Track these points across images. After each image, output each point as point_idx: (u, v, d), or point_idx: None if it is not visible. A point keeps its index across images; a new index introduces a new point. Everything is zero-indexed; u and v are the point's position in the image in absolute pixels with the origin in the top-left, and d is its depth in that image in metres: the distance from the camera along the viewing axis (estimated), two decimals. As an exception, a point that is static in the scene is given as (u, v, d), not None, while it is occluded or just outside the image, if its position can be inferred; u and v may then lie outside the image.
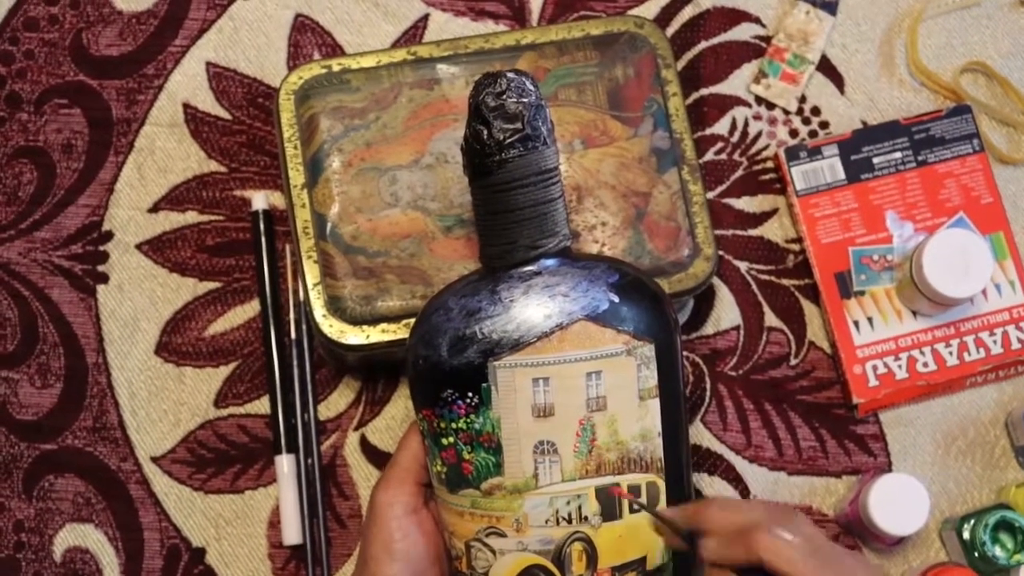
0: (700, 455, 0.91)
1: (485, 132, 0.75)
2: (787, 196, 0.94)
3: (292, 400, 0.90)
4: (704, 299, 0.92)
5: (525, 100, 0.75)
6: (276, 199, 0.93)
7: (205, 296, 0.92)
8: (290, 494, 0.88)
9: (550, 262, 0.77)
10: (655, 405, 0.76)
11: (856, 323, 0.91)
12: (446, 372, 0.75)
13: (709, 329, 0.92)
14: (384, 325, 0.84)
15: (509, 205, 0.76)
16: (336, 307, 0.84)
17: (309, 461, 0.89)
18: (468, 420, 0.75)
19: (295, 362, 0.90)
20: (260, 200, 0.92)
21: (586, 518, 0.75)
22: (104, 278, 0.92)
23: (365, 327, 0.83)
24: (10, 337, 0.91)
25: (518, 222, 0.76)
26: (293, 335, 0.91)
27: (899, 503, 0.85)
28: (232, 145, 0.94)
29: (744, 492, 0.90)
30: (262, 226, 0.91)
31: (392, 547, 0.76)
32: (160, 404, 0.91)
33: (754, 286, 0.93)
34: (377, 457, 0.90)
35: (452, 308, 0.76)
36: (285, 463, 0.89)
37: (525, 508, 0.75)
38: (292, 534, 0.88)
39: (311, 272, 0.84)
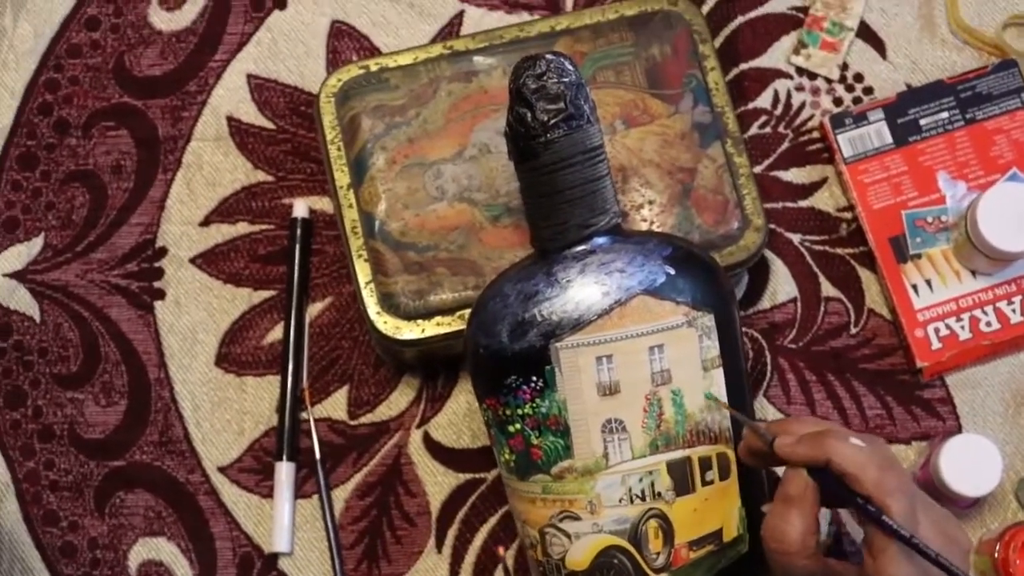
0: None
1: (529, 114, 0.73)
2: (835, 164, 0.91)
3: (298, 408, 0.88)
4: (759, 273, 0.90)
5: (566, 80, 0.73)
6: (324, 204, 0.91)
7: (261, 305, 0.90)
8: (285, 503, 0.87)
9: (602, 240, 0.75)
10: (719, 375, 0.74)
11: (915, 286, 0.88)
12: (508, 358, 0.73)
13: (766, 303, 0.89)
14: (439, 318, 0.82)
15: (558, 186, 0.74)
16: (389, 304, 0.82)
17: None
18: (534, 405, 0.73)
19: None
20: (300, 208, 0.91)
21: (660, 494, 0.73)
22: (161, 294, 0.91)
23: (419, 321, 0.82)
24: (73, 358, 0.90)
25: (568, 202, 0.74)
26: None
27: (971, 464, 0.81)
28: (278, 154, 0.92)
29: (813, 464, 0.87)
30: (298, 233, 0.90)
31: None
32: (223, 414, 0.89)
33: (808, 257, 0.90)
34: (441, 453, 0.88)
35: (509, 294, 0.74)
36: (284, 471, 0.87)
37: (597, 489, 0.73)
38: (282, 543, 0.86)
39: (362, 271, 0.83)
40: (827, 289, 0.89)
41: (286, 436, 0.88)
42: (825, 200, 0.91)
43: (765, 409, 0.88)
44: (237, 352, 0.90)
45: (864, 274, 0.90)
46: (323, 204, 0.92)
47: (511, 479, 0.76)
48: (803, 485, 0.68)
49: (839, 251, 0.90)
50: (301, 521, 0.87)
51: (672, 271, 0.73)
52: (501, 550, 0.84)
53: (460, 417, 0.88)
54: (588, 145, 0.74)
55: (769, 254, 0.90)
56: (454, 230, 0.82)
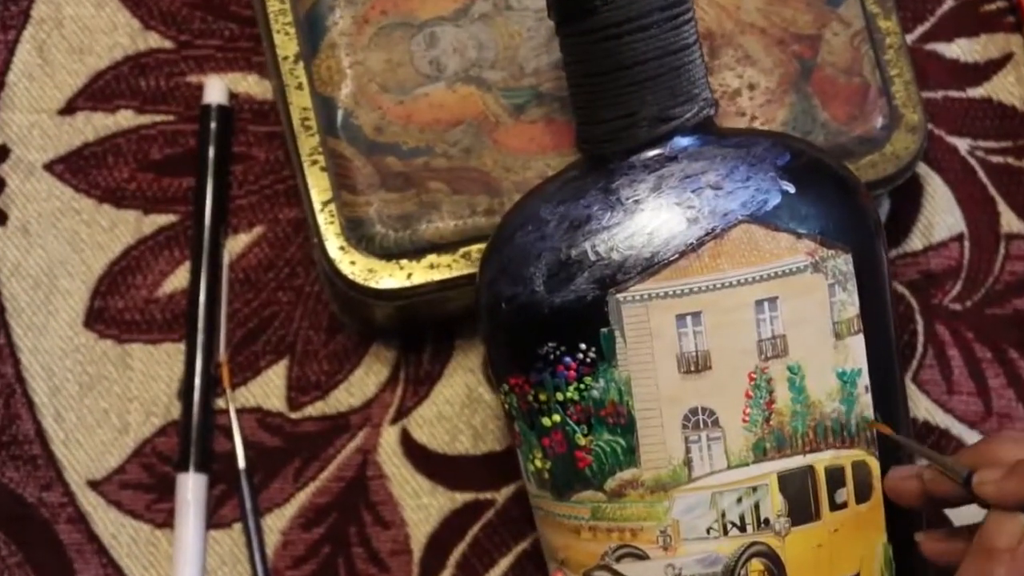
0: (915, 432, 0.91)
1: (580, -52, 0.76)
2: (1025, 33, 0.95)
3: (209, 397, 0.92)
4: (906, 196, 0.94)
5: (637, -103, 0.76)
6: (253, 85, 0.95)
7: (155, 236, 0.94)
8: (191, 537, 0.90)
9: (687, 141, 0.78)
10: (858, 344, 0.77)
11: None
12: (545, 316, 0.76)
13: (916, 242, 0.94)
14: (432, 257, 0.85)
15: (623, 59, 0.76)
16: (359, 235, 0.85)
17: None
18: (582, 386, 0.76)
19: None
20: (216, 89, 0.94)
21: (767, 521, 0.76)
22: (1, 216, 0.93)
23: (404, 262, 0.84)
24: None
25: (637, 84, 0.77)
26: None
27: None
28: (180, 8, 0.95)
29: (986, 482, 0.91)
30: (213, 129, 0.93)
31: None
32: (98, 401, 0.92)
33: (981, 173, 0.94)
34: (428, 462, 0.92)
35: (547, 220, 0.77)
36: (191, 487, 0.90)
37: (675, 513, 0.76)
38: None
39: (317, 185, 0.85)
40: (1010, 222, 0.94)
41: (194, 435, 0.91)
42: (1009, 87, 0.95)
43: (915, 400, 0.92)
44: (118, 307, 0.93)
45: (1068, 199, 0.94)
46: (251, 85, 0.95)
47: (543, 498, 0.79)
48: (1018, 534, 0.70)
49: (1029, 164, 0.95)
50: (216, 564, 0.91)
51: (791, 188, 0.76)
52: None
53: (456, 408, 0.92)
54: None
55: (923, 169, 0.93)
56: (456, 126, 0.86)
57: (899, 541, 0.78)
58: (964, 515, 0.86)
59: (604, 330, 0.75)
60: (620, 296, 0.75)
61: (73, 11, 0.95)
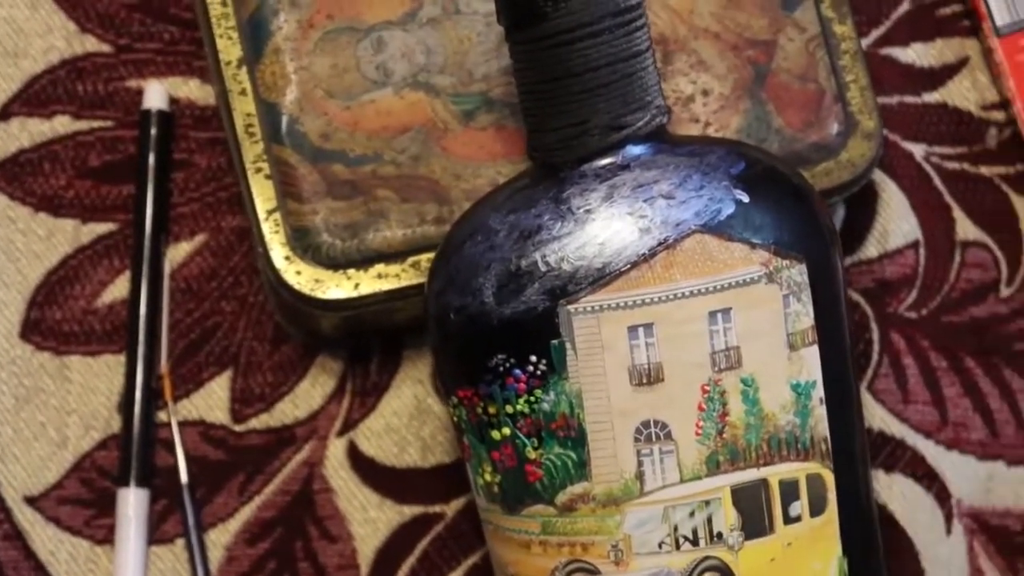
0: (870, 442, 0.93)
1: (531, -46, 0.77)
2: (982, 38, 0.95)
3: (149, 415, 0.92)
4: (862, 203, 0.95)
5: (587, -98, 0.77)
6: (194, 90, 0.95)
7: (93, 245, 0.94)
8: (132, 553, 0.90)
9: (640, 149, 0.78)
10: (813, 355, 0.78)
11: (1098, 225, 0.93)
12: (494, 328, 0.76)
13: (872, 250, 0.95)
14: (380, 267, 0.85)
15: (573, 66, 0.77)
16: (305, 244, 0.85)
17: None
18: (532, 399, 0.76)
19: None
20: (156, 94, 0.94)
21: (720, 535, 0.77)
22: (-67, 226, 0.94)
23: (352, 272, 0.85)
24: None
25: (588, 91, 0.77)
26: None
27: None
28: (118, 10, 0.95)
29: (941, 492, 0.92)
30: (153, 135, 0.94)
31: None
32: (35, 415, 0.92)
33: (937, 180, 0.95)
34: (375, 475, 0.92)
35: (496, 230, 0.77)
36: (131, 502, 0.91)
37: (626, 527, 0.76)
38: None
39: (262, 193, 0.86)
40: (966, 229, 0.95)
41: (134, 449, 0.91)
42: (964, 93, 0.96)
43: (871, 409, 0.93)
44: (56, 318, 0.93)
45: (1023, 204, 0.95)
46: (192, 89, 0.95)
47: (493, 512, 0.80)
48: None
49: (984, 171, 0.95)
50: (157, 580, 0.92)
51: (745, 197, 0.77)
52: None
53: (405, 420, 0.93)
54: (620, 4, 0.77)
55: (878, 175, 0.95)
56: (404, 132, 0.86)
57: (854, 555, 0.79)
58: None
59: (555, 342, 0.76)
60: (571, 307, 0.75)
61: (6, 12, 0.95)
